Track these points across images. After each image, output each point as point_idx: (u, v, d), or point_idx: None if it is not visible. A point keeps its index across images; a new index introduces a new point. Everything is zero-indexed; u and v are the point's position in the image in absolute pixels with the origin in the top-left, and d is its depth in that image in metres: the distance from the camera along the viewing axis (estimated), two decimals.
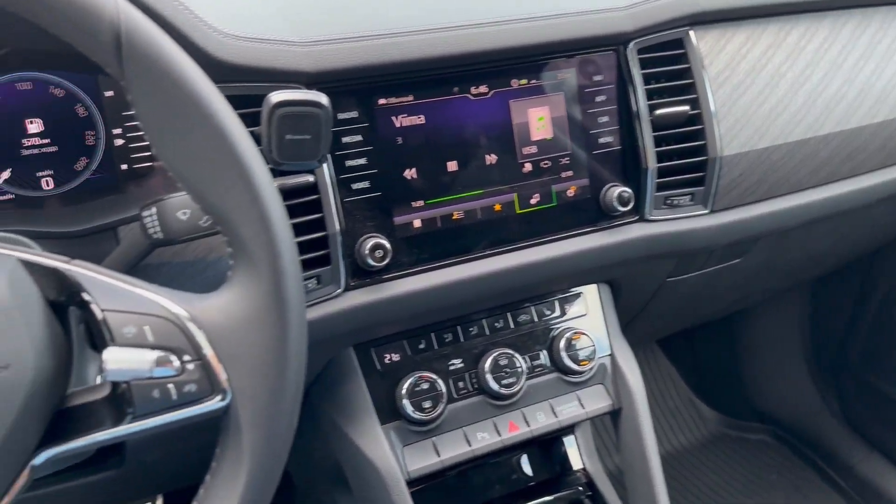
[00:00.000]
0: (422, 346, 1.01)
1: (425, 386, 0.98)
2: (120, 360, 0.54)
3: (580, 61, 1.01)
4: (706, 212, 1.10)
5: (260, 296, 0.58)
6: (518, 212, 0.99)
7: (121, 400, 0.56)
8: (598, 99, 1.02)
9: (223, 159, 0.57)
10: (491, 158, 0.97)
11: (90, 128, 0.88)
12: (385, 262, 0.90)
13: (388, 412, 0.98)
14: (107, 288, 0.56)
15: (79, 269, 0.57)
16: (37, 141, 0.86)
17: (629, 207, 1.03)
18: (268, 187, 0.59)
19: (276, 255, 0.58)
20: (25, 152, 0.86)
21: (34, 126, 0.85)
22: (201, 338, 0.57)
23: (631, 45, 1.02)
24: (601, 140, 1.03)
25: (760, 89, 1.12)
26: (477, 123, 0.96)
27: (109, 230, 0.82)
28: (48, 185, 0.87)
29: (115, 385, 0.56)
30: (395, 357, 1.00)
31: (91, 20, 0.53)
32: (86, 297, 0.56)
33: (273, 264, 0.58)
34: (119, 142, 0.89)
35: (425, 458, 0.98)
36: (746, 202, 1.13)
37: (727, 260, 1.23)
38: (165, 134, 0.57)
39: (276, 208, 0.59)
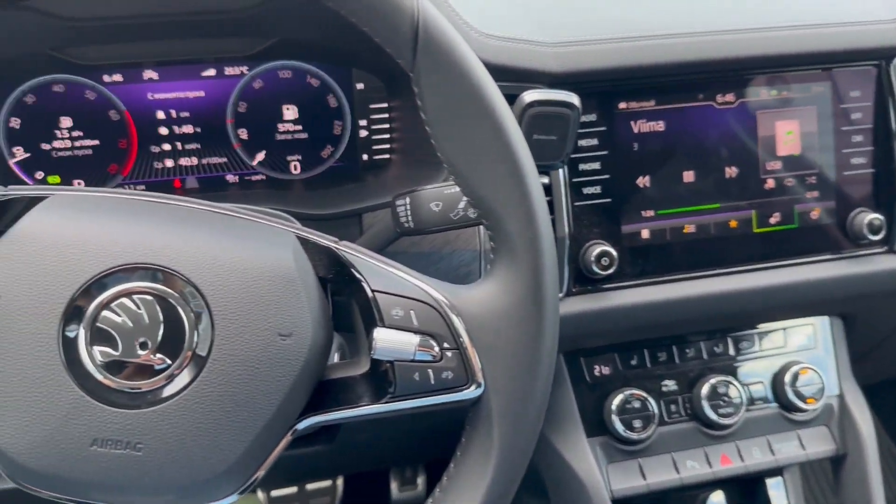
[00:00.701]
0: (634, 363, 0.98)
1: (636, 404, 0.94)
2: (388, 340, 0.55)
3: (837, 74, 0.93)
4: None
5: (519, 291, 0.58)
6: (755, 230, 0.93)
7: (381, 379, 0.57)
8: (854, 116, 0.94)
9: (498, 154, 0.57)
10: (731, 171, 0.92)
11: (339, 118, 0.92)
12: (610, 271, 0.87)
13: (595, 426, 0.95)
14: (376, 270, 0.58)
15: (348, 251, 0.58)
16: (290, 127, 0.91)
17: (879, 236, 0.94)
18: (537, 186, 0.58)
19: (539, 252, 0.57)
20: (280, 137, 0.91)
21: (290, 112, 0.90)
22: (460, 327, 0.57)
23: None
24: (853, 160, 0.95)
25: None
26: (719, 133, 0.91)
27: (355, 216, 0.85)
28: (295, 170, 0.92)
29: (374, 363, 0.58)
30: (606, 370, 0.97)
31: (395, 13, 0.55)
32: (357, 276, 0.57)
33: (535, 261, 0.57)
34: (363, 133, 0.92)
35: (630, 479, 0.94)
36: None
37: None
38: (446, 124, 0.57)
39: (542, 207, 0.58)
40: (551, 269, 0.59)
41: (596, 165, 0.88)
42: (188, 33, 0.83)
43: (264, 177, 0.92)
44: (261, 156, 0.91)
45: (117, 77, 0.85)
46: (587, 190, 0.88)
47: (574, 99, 0.75)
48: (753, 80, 0.91)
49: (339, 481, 1.60)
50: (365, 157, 0.93)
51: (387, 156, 0.93)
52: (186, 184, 0.90)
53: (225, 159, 0.90)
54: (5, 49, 0.80)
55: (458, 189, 0.70)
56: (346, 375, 0.59)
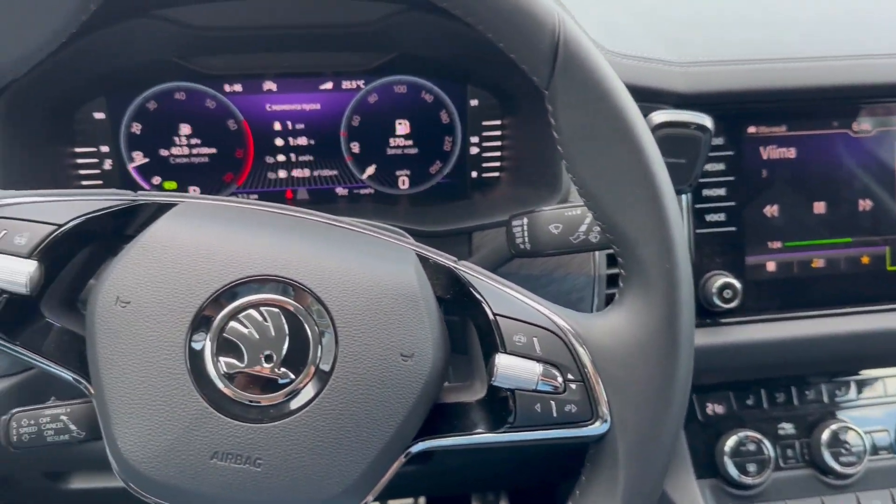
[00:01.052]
0: (749, 402, 0.92)
1: (751, 447, 0.88)
2: (510, 367, 0.53)
3: None
4: None
5: (653, 322, 0.54)
6: (889, 268, 0.87)
7: (499, 407, 0.54)
8: None
9: (636, 177, 0.54)
10: (865, 204, 0.86)
11: (450, 134, 0.90)
12: (732, 305, 0.83)
13: (705, 467, 0.90)
14: (497, 292, 0.55)
15: (467, 271, 0.56)
16: (401, 142, 0.90)
17: None
18: (675, 212, 0.55)
19: (676, 283, 0.54)
20: (390, 151, 0.90)
21: (402, 127, 0.89)
22: (586, 358, 0.54)
23: None
24: None
25: None
26: (854, 163, 0.85)
27: (464, 234, 0.83)
28: (403, 185, 0.91)
29: (492, 390, 0.55)
30: (719, 409, 0.92)
31: (535, 30, 0.53)
32: (477, 297, 0.55)
33: (671, 292, 0.54)
34: (474, 150, 0.90)
35: None
36: None
37: None
38: (582, 144, 0.54)
39: (680, 235, 0.54)
40: (688, 301, 0.55)
41: (721, 192, 0.84)
42: (310, 47, 0.84)
43: (372, 191, 0.91)
44: (371, 170, 0.90)
45: (237, 87, 0.86)
46: (710, 217, 0.84)
47: (707, 121, 0.71)
48: (892, 107, 0.85)
49: (422, 500, 1.58)
50: (474, 174, 0.91)
51: (496, 174, 0.91)
52: (298, 195, 0.90)
53: (336, 172, 0.90)
54: (134, 56, 0.81)
55: (579, 211, 0.67)
56: (462, 400, 0.57)
